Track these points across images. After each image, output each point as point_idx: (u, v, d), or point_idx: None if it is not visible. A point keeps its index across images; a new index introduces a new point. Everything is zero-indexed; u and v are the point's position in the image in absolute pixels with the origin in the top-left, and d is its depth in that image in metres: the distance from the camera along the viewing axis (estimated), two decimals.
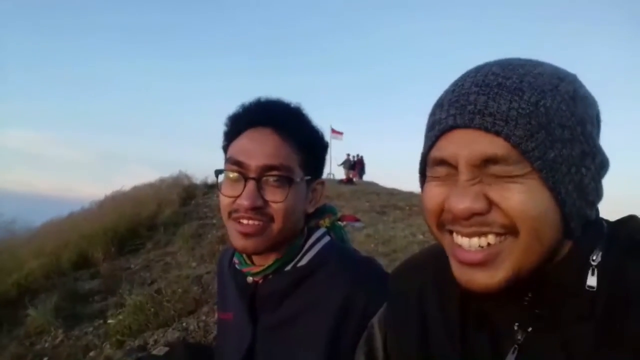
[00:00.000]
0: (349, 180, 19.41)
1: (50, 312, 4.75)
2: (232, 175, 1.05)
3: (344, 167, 23.52)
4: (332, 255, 1.12)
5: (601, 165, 0.67)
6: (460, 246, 0.65)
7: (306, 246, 1.12)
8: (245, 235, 1.04)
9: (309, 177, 1.11)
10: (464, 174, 0.63)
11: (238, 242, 1.05)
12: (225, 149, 1.12)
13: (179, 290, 4.81)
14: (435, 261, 0.81)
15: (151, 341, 3.70)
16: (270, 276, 1.11)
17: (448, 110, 0.66)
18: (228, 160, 1.06)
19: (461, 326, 0.73)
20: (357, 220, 9.07)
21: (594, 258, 0.64)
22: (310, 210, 1.16)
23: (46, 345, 4.27)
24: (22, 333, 4.64)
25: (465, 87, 0.65)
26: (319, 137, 1.16)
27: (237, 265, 1.16)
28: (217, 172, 1.09)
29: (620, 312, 0.59)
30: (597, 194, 0.68)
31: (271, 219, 1.04)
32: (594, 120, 0.67)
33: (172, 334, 3.73)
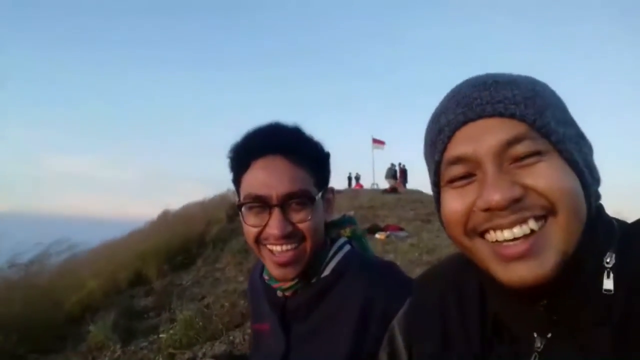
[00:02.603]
0: (392, 190, 19.23)
1: (109, 328, 4.99)
2: (254, 208, 1.08)
3: (387, 177, 23.33)
4: (352, 262, 1.16)
5: (591, 148, 0.69)
6: (501, 243, 0.63)
7: (328, 257, 1.17)
8: (282, 265, 1.08)
9: (322, 191, 1.15)
10: (490, 166, 0.63)
11: (276, 271, 1.09)
12: (236, 182, 1.14)
13: (226, 304, 4.97)
14: (456, 269, 0.82)
15: (200, 354, 3.84)
16: (299, 290, 1.16)
17: (454, 111, 0.67)
18: (247, 196, 1.07)
19: (481, 334, 0.73)
20: (401, 229, 8.99)
21: (608, 260, 0.63)
22: (328, 219, 1.20)
23: (106, 359, 4.51)
24: (84, 348, 4.89)
25: (463, 91, 0.68)
26: (322, 151, 1.19)
27: (267, 281, 1.22)
28: (239, 207, 1.10)
29: (638, 316, 0.58)
30: (597, 172, 0.68)
31: (303, 239, 1.08)
32: (572, 116, 0.70)
33: (219, 347, 3.85)
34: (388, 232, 8.60)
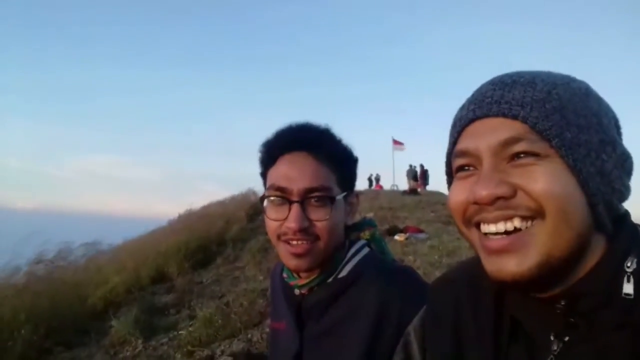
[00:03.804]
0: (412, 191, 19.10)
1: (131, 324, 5.10)
2: (276, 200, 1.10)
3: (407, 178, 23.19)
4: (370, 265, 1.16)
5: (623, 157, 0.67)
6: (487, 235, 0.65)
7: (346, 258, 1.17)
8: (297, 255, 1.09)
9: (346, 193, 1.16)
10: (486, 162, 0.65)
11: (290, 262, 1.11)
12: (264, 175, 1.18)
13: (245, 303, 5.02)
14: (471, 272, 0.82)
15: (218, 352, 3.89)
16: (315, 288, 1.17)
17: (468, 107, 0.70)
18: (270, 187, 1.11)
19: (496, 337, 0.73)
20: (421, 231, 8.93)
21: (629, 265, 0.62)
22: (349, 222, 1.20)
23: (127, 354, 4.61)
24: (107, 343, 5.02)
25: (482, 88, 0.71)
26: (350, 153, 1.21)
27: (285, 279, 1.23)
28: (262, 199, 1.14)
29: None
30: (623, 183, 0.67)
31: (317, 238, 1.09)
32: (611, 121, 0.68)
33: (238, 345, 3.90)
34: (408, 234, 8.55)
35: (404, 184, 23.71)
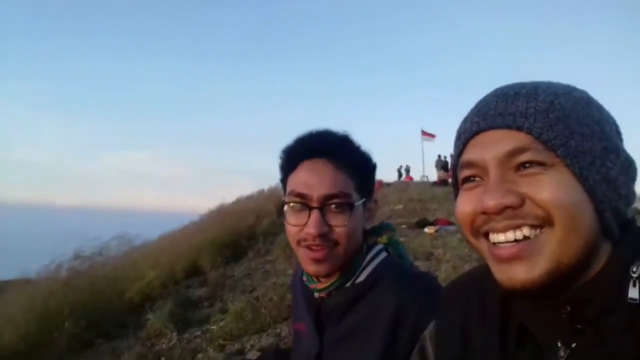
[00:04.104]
0: (442, 182, 18.82)
1: (166, 317, 5.27)
2: (295, 206, 1.14)
3: (436, 169, 22.85)
4: (388, 270, 1.19)
5: (627, 163, 0.69)
6: (496, 244, 0.66)
7: (364, 263, 1.20)
8: (316, 261, 1.12)
9: (365, 199, 1.18)
10: (493, 173, 0.66)
11: (310, 267, 1.14)
12: (284, 181, 1.22)
13: (275, 297, 5.12)
14: (480, 279, 0.83)
15: (248, 346, 3.99)
16: (334, 292, 1.20)
17: (472, 120, 0.72)
18: (290, 193, 1.14)
19: (503, 343, 0.74)
20: (451, 223, 8.81)
21: (634, 270, 0.63)
22: (368, 227, 1.23)
23: (163, 346, 4.76)
24: (144, 335, 5.20)
25: (486, 100, 0.73)
26: (368, 160, 1.24)
27: (305, 282, 1.27)
28: (282, 205, 1.18)
29: None
30: (629, 189, 0.68)
31: (336, 243, 1.12)
32: (612, 127, 0.69)
33: (267, 340, 3.99)
34: (437, 227, 8.46)
35: (433, 175, 23.35)
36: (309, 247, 1.12)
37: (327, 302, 1.21)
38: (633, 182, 0.70)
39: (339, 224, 1.11)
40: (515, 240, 0.64)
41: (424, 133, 23.78)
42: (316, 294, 1.23)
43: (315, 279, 1.22)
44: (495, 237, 0.66)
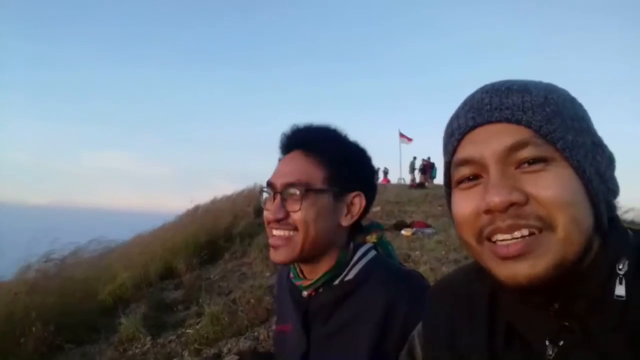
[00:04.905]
0: (420, 185, 19.04)
1: (140, 320, 5.16)
2: (266, 193, 1.21)
3: (409, 171, 23.17)
4: (376, 269, 1.18)
5: (611, 157, 0.69)
6: (500, 242, 0.64)
7: (353, 261, 1.19)
8: (275, 247, 1.16)
9: (337, 190, 1.17)
10: (494, 169, 0.65)
11: (271, 254, 1.19)
12: None
13: (252, 300, 5.05)
14: (467, 279, 0.83)
15: (225, 349, 3.93)
16: (321, 290, 1.19)
17: (465, 116, 0.70)
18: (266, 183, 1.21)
19: (491, 343, 0.73)
20: (428, 226, 8.91)
21: (621, 267, 0.63)
22: (346, 223, 1.19)
23: (136, 351, 4.65)
24: (116, 339, 5.07)
25: (476, 96, 0.70)
26: (351, 152, 1.23)
27: (292, 279, 1.26)
28: (260, 192, 1.24)
29: None
30: (614, 182, 0.69)
31: (295, 229, 1.14)
32: (592, 124, 0.70)
33: (244, 343, 3.93)
34: (414, 229, 8.54)
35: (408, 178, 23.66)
36: (271, 233, 1.17)
37: (315, 299, 1.20)
38: (614, 174, 0.70)
39: (294, 209, 1.13)
40: (521, 237, 0.63)
41: (401, 135, 24.01)
42: (304, 293, 1.22)
43: (301, 275, 1.22)
44: (500, 237, 0.64)
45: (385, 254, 1.27)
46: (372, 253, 1.22)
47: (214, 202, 13.76)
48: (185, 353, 4.15)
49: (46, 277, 6.45)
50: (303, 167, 1.16)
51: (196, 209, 13.10)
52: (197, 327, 4.62)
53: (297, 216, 1.13)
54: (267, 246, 1.20)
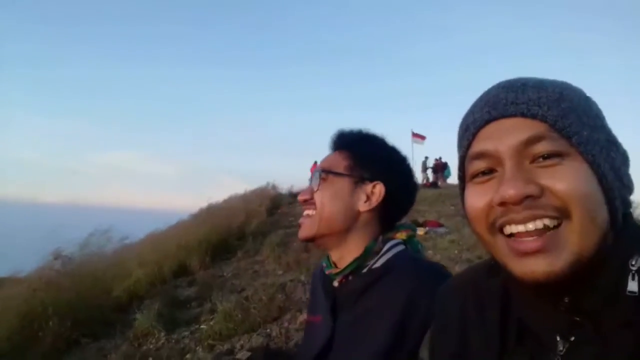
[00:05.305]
0: (432, 184, 18.93)
1: (154, 317, 5.22)
2: None
3: (421, 170, 23.06)
4: (403, 261, 1.22)
5: (625, 155, 0.70)
6: (515, 237, 0.64)
7: (382, 252, 1.25)
8: (300, 225, 1.31)
9: (356, 177, 1.28)
10: (509, 163, 0.65)
11: (299, 232, 1.32)
12: None
13: (264, 298, 5.09)
14: (478, 276, 0.83)
15: (238, 346, 3.96)
16: (350, 278, 1.26)
17: (481, 110, 0.71)
18: None
19: (502, 339, 0.73)
20: (441, 225, 8.86)
21: (634, 263, 0.63)
22: (364, 209, 1.27)
23: (150, 347, 4.72)
24: (131, 335, 5.15)
25: (492, 92, 0.72)
26: (379, 148, 1.34)
27: (324, 269, 1.33)
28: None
29: None
30: (629, 179, 0.69)
31: (316, 208, 1.27)
32: (606, 123, 0.71)
33: (257, 340, 3.97)
34: (427, 228, 8.50)
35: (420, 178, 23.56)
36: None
37: (343, 287, 1.27)
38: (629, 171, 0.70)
39: (316, 190, 1.28)
40: (536, 230, 0.63)
41: (414, 135, 23.83)
42: (335, 283, 1.29)
43: (332, 264, 1.30)
44: (514, 228, 0.64)
45: (414, 251, 1.31)
46: (401, 247, 1.27)
47: (227, 201, 13.85)
48: (199, 349, 4.19)
49: (62, 273, 6.56)
50: (332, 158, 1.32)
51: (209, 207, 13.20)
52: (211, 323, 4.66)
53: (316, 196, 1.27)
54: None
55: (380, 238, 1.27)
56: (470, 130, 0.71)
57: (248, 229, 10.18)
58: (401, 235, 1.30)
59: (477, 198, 0.69)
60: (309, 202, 1.29)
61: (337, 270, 1.26)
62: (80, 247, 7.22)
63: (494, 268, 0.73)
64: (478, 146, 0.69)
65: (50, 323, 5.17)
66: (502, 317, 0.75)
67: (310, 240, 1.29)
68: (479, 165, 0.69)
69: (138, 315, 5.33)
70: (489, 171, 0.69)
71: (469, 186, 0.72)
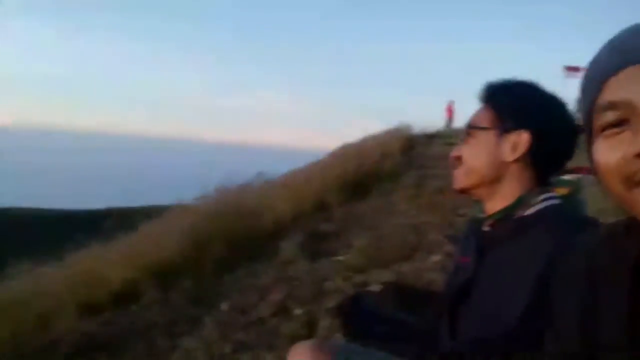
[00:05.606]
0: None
1: (297, 246, 5.82)
2: None
3: (576, 110, 20.22)
4: (556, 213, 1.22)
5: None
6: None
7: (536, 201, 1.25)
8: (454, 177, 1.39)
9: (500, 128, 1.29)
10: None
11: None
12: None
13: (397, 237, 5.29)
14: (614, 232, 0.76)
15: (371, 280, 4.26)
16: (499, 223, 1.29)
17: (609, 58, 0.66)
18: None
19: (631, 315, 0.67)
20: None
21: None
22: (511, 158, 1.27)
23: (296, 272, 5.31)
24: (278, 261, 5.81)
25: (622, 37, 0.66)
26: (521, 94, 1.32)
27: (476, 214, 1.41)
28: None
29: None
30: None
31: (462, 162, 1.35)
32: None
33: (389, 276, 4.21)
34: (579, 175, 7.70)
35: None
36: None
37: (492, 231, 1.31)
38: None
39: (463, 145, 1.36)
40: None
41: (569, 68, 20.81)
42: (485, 227, 1.34)
43: (482, 210, 1.36)
44: None
45: (572, 207, 1.31)
46: (555, 200, 1.25)
47: (362, 141, 14.11)
48: (338, 278, 4.60)
49: (220, 203, 7.58)
50: (478, 114, 1.36)
51: (345, 146, 13.62)
52: (347, 256, 5.03)
53: (463, 152, 1.35)
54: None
55: (538, 190, 1.26)
56: (598, 78, 0.66)
57: (382, 169, 10.34)
58: (562, 191, 1.31)
59: (609, 152, 0.63)
60: (460, 158, 1.35)
61: (486, 216, 1.31)
62: (237, 183, 8.18)
63: (632, 227, 0.67)
64: (609, 96, 0.63)
65: (213, 246, 6.12)
66: (634, 292, 0.69)
67: (463, 192, 1.37)
68: (609, 116, 0.63)
69: (283, 244, 5.95)
70: (620, 123, 0.63)
71: (598, 140, 0.67)
